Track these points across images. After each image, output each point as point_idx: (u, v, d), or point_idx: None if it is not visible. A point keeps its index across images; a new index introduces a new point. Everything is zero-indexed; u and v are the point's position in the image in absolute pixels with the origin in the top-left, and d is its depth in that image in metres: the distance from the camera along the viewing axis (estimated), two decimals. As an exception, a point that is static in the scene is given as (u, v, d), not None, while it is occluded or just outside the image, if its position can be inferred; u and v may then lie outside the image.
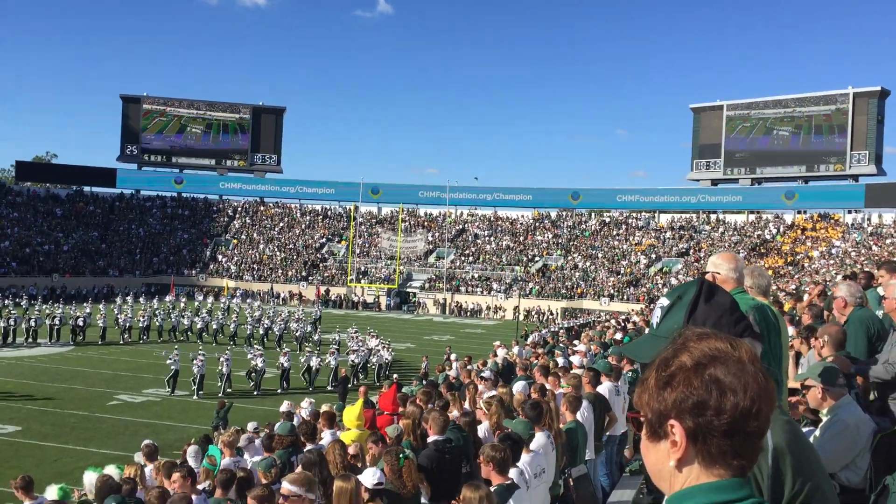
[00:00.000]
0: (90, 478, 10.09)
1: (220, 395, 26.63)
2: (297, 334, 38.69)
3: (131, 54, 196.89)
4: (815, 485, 1.84)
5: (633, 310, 44.71)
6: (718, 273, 3.79)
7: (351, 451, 6.90)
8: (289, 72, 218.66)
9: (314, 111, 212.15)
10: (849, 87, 68.11)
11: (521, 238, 76.18)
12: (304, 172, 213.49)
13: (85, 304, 44.33)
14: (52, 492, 9.00)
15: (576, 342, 19.83)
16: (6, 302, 44.70)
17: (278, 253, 76.51)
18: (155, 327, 41.12)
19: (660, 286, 62.53)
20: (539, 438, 6.09)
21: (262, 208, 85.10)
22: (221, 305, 51.66)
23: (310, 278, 71.27)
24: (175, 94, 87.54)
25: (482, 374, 11.82)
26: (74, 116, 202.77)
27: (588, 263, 69.54)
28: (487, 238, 77.14)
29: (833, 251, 58.32)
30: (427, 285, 70.20)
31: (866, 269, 10.50)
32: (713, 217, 73.25)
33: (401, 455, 5.76)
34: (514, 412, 7.87)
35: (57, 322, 38.56)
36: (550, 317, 58.46)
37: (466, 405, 9.50)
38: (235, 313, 44.31)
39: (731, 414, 1.33)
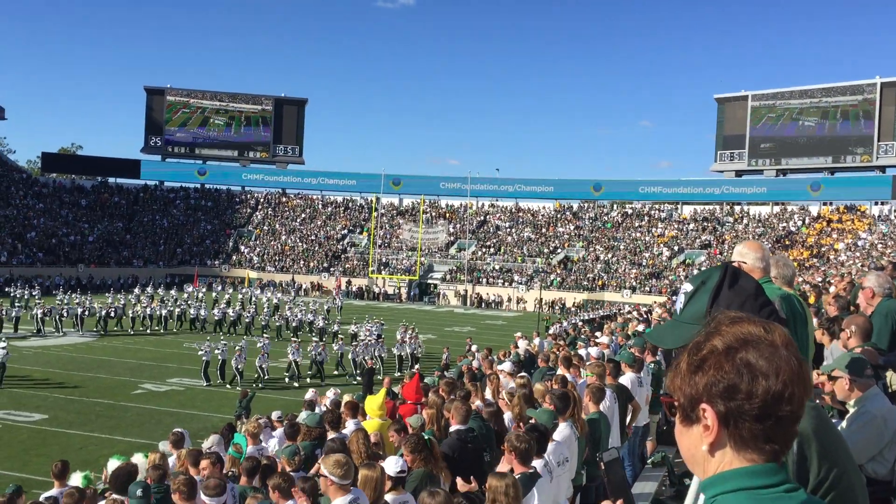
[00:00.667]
0: (114, 465, 10.23)
1: (230, 384, 26.90)
2: (318, 325, 38.87)
3: (155, 46, 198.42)
4: (842, 472, 1.82)
5: (655, 301, 44.47)
6: (745, 262, 3.77)
7: (373, 439, 6.93)
8: (311, 63, 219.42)
9: (336, 103, 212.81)
10: (876, 76, 67.20)
11: (543, 230, 75.99)
12: (326, 164, 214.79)
13: (107, 295, 44.81)
14: (76, 479, 9.13)
15: (598, 334, 19.77)
16: (33, 293, 45.16)
17: (300, 244, 76.88)
18: (175, 317, 41.50)
19: (682, 278, 62.14)
20: (563, 428, 6.10)
21: (284, 199, 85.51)
22: (240, 296, 51.64)
23: (331, 269, 71.56)
24: (198, 86, 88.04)
25: (503, 366, 11.84)
26: (99, 108, 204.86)
27: (610, 255, 69.25)
28: (509, 229, 77.02)
29: (859, 243, 57.65)
30: (448, 277, 70.28)
31: (894, 261, 10.37)
32: (737, 209, 72.61)
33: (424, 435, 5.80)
34: (537, 403, 7.88)
35: (87, 312, 39.16)
36: (572, 309, 58.30)
37: (488, 396, 9.52)
38: (254, 305, 44.69)
39: (763, 398, 1.33)
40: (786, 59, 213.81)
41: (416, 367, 26.95)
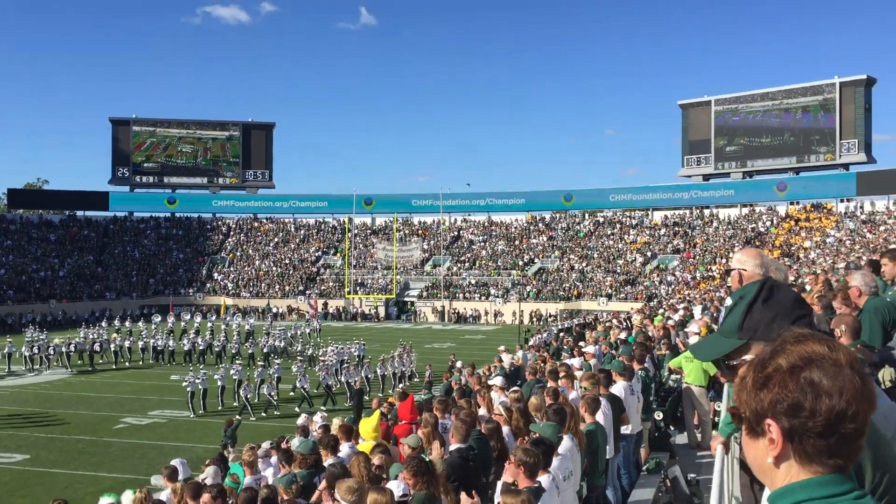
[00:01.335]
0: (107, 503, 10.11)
1: (266, 412, 26.69)
2: (297, 349, 38.52)
3: (118, 77, 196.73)
4: (893, 478, 1.88)
5: (632, 308, 44.78)
6: (745, 269, 3.85)
7: (376, 461, 6.94)
8: (276, 87, 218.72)
9: (303, 125, 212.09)
10: (835, 76, 68.56)
11: (516, 242, 76.30)
12: (297, 187, 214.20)
13: (78, 330, 44.10)
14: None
15: (581, 343, 19.86)
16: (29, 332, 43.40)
17: (274, 268, 76.47)
18: (149, 349, 40.61)
19: (657, 283, 62.72)
20: (565, 442, 6.15)
21: (255, 224, 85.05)
22: (209, 325, 49.95)
23: (307, 292, 71.22)
24: (164, 115, 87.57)
25: (493, 380, 11.86)
26: (64, 142, 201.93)
27: (584, 264, 69.67)
28: (482, 243, 77.24)
29: (828, 241, 58.54)
30: (425, 293, 70.25)
31: (874, 258, 10.58)
32: (706, 212, 73.46)
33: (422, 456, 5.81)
34: (532, 417, 7.92)
35: (73, 349, 38.64)
36: (549, 319, 58.50)
37: (482, 411, 9.54)
38: (224, 333, 43.93)
39: (826, 416, 1.37)
40: (746, 62, 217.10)
41: (401, 385, 26.91)
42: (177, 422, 26.24)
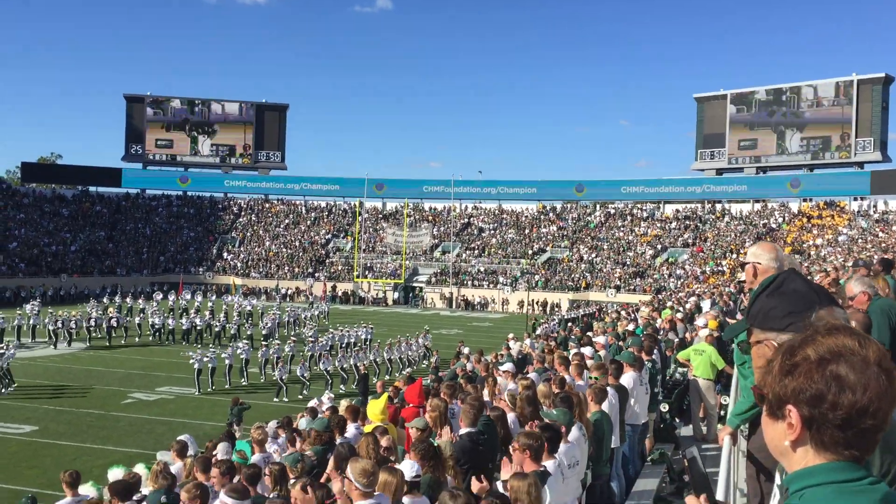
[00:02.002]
0: (116, 475, 10.22)
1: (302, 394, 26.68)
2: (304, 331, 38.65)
3: (134, 54, 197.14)
4: None
5: (640, 300, 44.73)
6: (759, 263, 3.88)
7: (384, 443, 7.00)
8: (291, 69, 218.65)
9: (317, 108, 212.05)
10: (853, 73, 67.99)
11: (527, 231, 76.24)
12: (309, 169, 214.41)
13: (86, 305, 44.33)
14: (84, 489, 9.12)
15: (589, 334, 19.88)
16: (29, 306, 43.45)
17: (284, 250, 76.67)
18: (150, 326, 40.59)
19: (666, 276, 62.61)
20: (573, 430, 6.20)
21: (267, 205, 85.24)
22: (210, 304, 49.81)
23: (316, 274, 71.41)
24: (178, 93, 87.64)
25: (502, 367, 11.91)
26: (79, 117, 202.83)
27: (594, 255, 69.58)
28: (492, 231, 77.20)
29: (839, 239, 58.26)
30: (433, 280, 70.34)
31: (886, 257, 10.55)
32: (718, 207, 73.15)
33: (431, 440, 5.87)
34: (540, 405, 7.96)
35: (93, 323, 38.99)
36: (555, 309, 58.52)
37: (486, 397, 9.59)
38: (225, 312, 43.92)
39: (847, 410, 1.40)
40: (764, 57, 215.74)
41: (408, 370, 27.01)
42: (185, 399, 26.45)
